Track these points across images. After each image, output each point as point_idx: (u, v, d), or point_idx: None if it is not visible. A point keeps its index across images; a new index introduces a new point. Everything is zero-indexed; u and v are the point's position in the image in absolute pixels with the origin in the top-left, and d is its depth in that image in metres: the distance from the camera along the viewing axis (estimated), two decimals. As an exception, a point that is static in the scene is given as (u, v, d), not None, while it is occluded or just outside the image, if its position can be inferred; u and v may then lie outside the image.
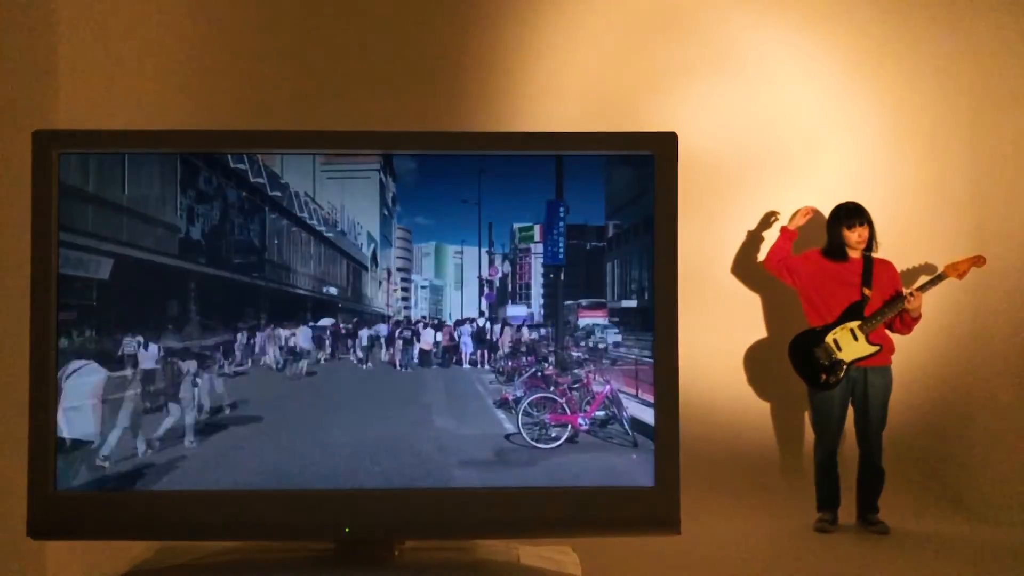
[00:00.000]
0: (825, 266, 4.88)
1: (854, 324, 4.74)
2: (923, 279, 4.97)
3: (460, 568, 1.32)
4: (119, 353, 1.22)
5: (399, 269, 1.33)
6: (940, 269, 4.94)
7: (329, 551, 1.30)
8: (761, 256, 5.17)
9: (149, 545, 1.38)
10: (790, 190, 5.61)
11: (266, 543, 1.37)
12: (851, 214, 4.80)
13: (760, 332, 5.61)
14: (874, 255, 4.92)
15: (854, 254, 4.84)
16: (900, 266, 5.02)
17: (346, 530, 1.21)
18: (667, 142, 1.23)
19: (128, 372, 1.22)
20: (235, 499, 1.20)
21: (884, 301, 4.76)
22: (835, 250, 4.86)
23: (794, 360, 4.98)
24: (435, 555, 1.34)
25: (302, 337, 1.26)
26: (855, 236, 4.78)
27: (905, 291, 4.74)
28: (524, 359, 1.35)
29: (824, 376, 4.80)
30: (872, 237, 4.82)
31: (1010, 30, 5.48)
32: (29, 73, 2.55)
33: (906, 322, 4.80)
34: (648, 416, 1.24)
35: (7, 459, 2.18)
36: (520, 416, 1.30)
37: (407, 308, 1.30)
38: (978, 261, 4.84)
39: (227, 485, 1.20)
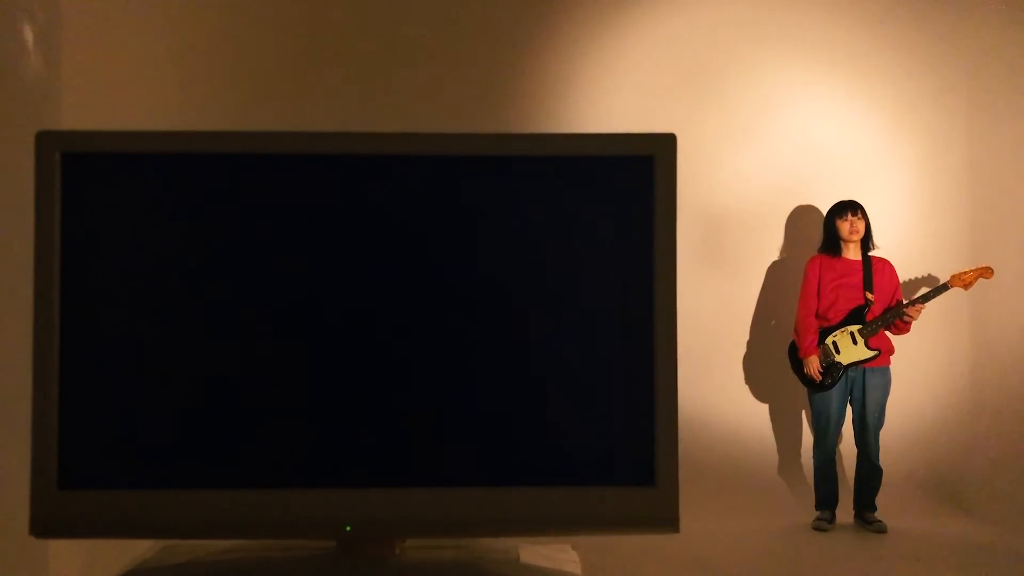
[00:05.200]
0: (825, 264, 4.89)
1: (854, 328, 4.76)
2: (924, 290, 4.99)
3: (460, 566, 1.32)
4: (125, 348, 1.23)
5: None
6: (943, 279, 4.96)
7: (330, 549, 1.31)
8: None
9: (151, 543, 1.39)
10: (794, 200, 5.63)
11: (268, 541, 1.38)
12: (843, 205, 4.82)
13: (759, 331, 5.62)
14: (872, 255, 4.93)
15: (849, 248, 4.84)
16: (902, 276, 5.03)
17: (347, 528, 1.22)
18: (666, 143, 1.23)
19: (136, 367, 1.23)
20: (237, 497, 1.20)
21: (886, 308, 4.77)
22: (830, 243, 4.88)
23: (793, 360, 4.99)
24: (435, 553, 1.35)
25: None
26: (847, 226, 4.80)
27: (905, 301, 4.75)
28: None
29: (820, 377, 4.82)
30: (868, 233, 4.83)
31: (1010, 35, 5.49)
32: (31, 74, 2.56)
33: (904, 324, 4.81)
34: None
35: (9, 456, 2.19)
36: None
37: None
38: (986, 273, 4.86)
39: (229, 484, 1.21)
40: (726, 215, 5.62)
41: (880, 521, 4.72)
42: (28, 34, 2.55)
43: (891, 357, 4.83)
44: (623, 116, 5.56)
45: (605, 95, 5.64)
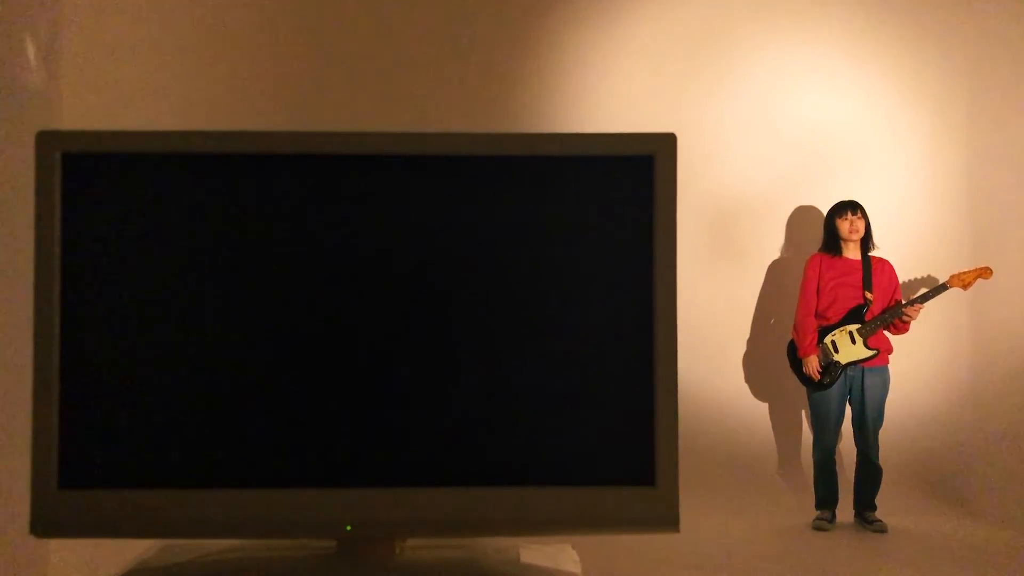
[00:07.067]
0: (825, 263, 4.90)
1: (853, 327, 4.76)
2: (923, 290, 4.99)
3: (460, 565, 1.32)
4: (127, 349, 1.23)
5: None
6: (943, 279, 4.96)
7: (331, 549, 1.31)
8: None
9: (151, 543, 1.39)
10: (794, 200, 5.63)
11: (268, 541, 1.38)
12: (843, 205, 4.83)
13: (759, 331, 5.62)
14: (872, 255, 4.93)
15: (849, 248, 4.84)
16: (901, 276, 5.03)
17: (347, 528, 1.22)
18: (666, 143, 1.23)
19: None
20: (237, 497, 1.20)
21: (884, 308, 4.78)
22: (830, 243, 4.89)
23: (792, 359, 4.99)
24: (435, 553, 1.35)
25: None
26: (847, 225, 4.81)
27: (904, 301, 4.76)
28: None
29: (819, 377, 4.82)
30: (868, 233, 4.84)
31: (1012, 34, 5.49)
32: (32, 75, 2.56)
33: (903, 323, 4.81)
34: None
35: (9, 456, 2.19)
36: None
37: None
38: (984, 273, 4.86)
39: (229, 484, 1.21)
40: (726, 214, 5.62)
41: (880, 521, 4.72)
42: (30, 35, 2.55)
43: (890, 357, 4.83)
44: (622, 113, 5.55)
45: (605, 92, 5.64)
